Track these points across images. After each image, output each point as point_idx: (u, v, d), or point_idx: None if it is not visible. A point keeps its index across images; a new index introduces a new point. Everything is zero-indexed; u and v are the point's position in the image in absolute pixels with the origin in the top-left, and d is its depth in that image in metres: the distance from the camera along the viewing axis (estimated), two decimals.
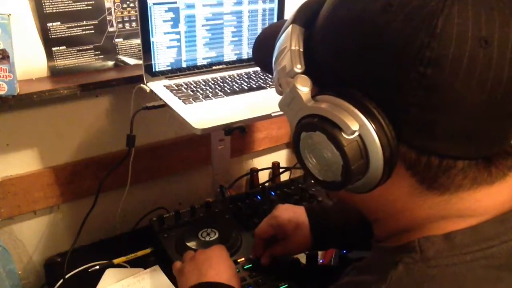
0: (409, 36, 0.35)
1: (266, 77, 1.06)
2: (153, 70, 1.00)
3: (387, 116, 0.38)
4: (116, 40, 1.08)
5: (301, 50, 0.42)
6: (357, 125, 0.37)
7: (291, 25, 0.44)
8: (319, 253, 0.90)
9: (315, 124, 0.40)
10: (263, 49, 0.53)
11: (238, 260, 0.90)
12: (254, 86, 1.01)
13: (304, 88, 0.41)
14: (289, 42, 0.43)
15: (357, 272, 0.47)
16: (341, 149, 0.38)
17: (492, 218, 0.41)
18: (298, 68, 0.41)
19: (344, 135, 0.38)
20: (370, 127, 0.37)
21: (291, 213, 0.85)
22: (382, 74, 0.37)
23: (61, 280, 0.95)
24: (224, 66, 1.10)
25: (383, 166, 0.38)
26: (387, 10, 0.36)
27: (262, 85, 1.02)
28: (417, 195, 0.42)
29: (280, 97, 0.44)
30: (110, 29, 1.06)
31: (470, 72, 0.35)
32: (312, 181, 0.44)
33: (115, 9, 1.05)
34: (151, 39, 0.97)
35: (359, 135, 0.38)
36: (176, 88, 0.97)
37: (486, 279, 0.39)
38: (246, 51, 1.12)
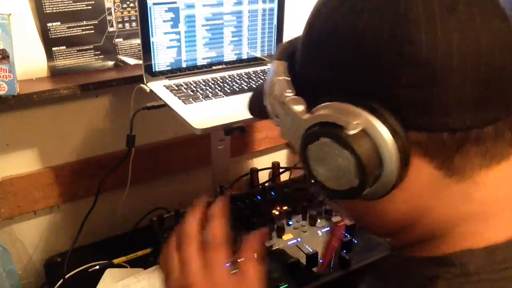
0: (378, 24, 0.37)
1: (266, 77, 1.06)
2: (153, 70, 1.00)
3: (384, 106, 0.37)
4: (116, 40, 1.08)
5: (288, 78, 0.44)
6: (356, 118, 0.37)
7: (273, 62, 0.46)
8: (319, 253, 0.90)
9: (316, 132, 0.40)
10: (256, 98, 0.57)
11: (238, 260, 0.90)
12: (254, 86, 1.01)
13: (298, 107, 0.42)
14: (275, 75, 0.45)
15: (382, 286, 0.45)
16: (348, 146, 0.37)
17: None
18: (289, 92, 0.43)
19: (347, 132, 0.37)
20: (371, 117, 0.37)
21: None
22: (366, 68, 0.38)
23: (61, 280, 0.95)
24: (224, 66, 1.10)
25: (398, 155, 0.38)
26: (353, 9, 0.38)
27: None
28: (437, 185, 0.40)
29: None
30: (110, 29, 1.06)
31: (445, 41, 0.36)
32: (331, 199, 0.43)
33: (115, 9, 1.05)
34: (151, 39, 0.97)
35: (363, 129, 0.37)
36: (176, 88, 0.97)
37: None
38: (246, 51, 1.12)
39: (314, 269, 0.88)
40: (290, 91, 0.43)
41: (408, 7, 0.36)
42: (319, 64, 0.42)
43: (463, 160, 0.39)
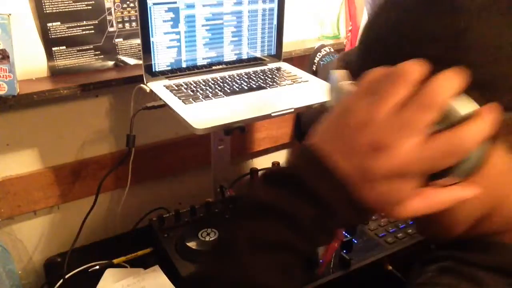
0: (437, 17, 0.38)
1: (266, 77, 1.06)
2: (153, 70, 1.00)
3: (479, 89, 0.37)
4: (116, 40, 1.08)
5: (353, 82, 0.43)
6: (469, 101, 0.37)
7: (332, 74, 0.46)
8: (319, 253, 0.90)
9: None
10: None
11: None
12: (254, 86, 1.01)
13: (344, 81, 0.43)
14: (339, 82, 0.44)
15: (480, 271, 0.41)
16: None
17: None
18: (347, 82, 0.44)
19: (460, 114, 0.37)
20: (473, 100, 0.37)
21: None
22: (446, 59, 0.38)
23: (61, 280, 0.95)
24: (224, 66, 1.10)
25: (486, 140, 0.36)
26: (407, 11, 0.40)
27: (262, 85, 1.02)
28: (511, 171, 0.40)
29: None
30: (110, 29, 1.06)
31: (489, 28, 0.37)
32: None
33: (115, 9, 1.05)
34: (151, 39, 0.97)
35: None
36: (176, 88, 0.97)
37: None
38: (246, 51, 1.12)
39: (314, 269, 0.88)
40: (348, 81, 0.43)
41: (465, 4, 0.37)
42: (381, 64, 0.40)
43: None
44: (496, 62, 0.37)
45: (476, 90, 0.36)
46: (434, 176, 0.36)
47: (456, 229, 0.44)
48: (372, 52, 0.43)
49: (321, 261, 0.89)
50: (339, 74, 0.46)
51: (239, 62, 1.12)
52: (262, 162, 1.43)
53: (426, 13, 0.39)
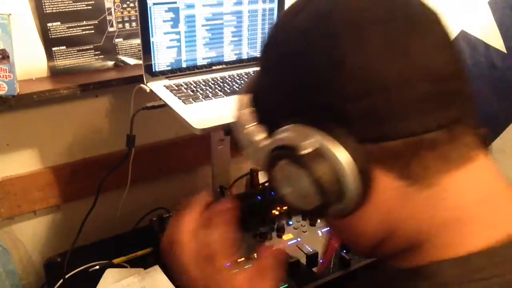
0: (313, 43, 0.40)
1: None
2: (153, 70, 1.00)
3: (335, 122, 0.38)
4: (116, 40, 1.08)
5: (250, 109, 0.46)
6: (309, 138, 0.39)
7: (237, 97, 0.50)
8: (319, 253, 0.90)
9: (276, 156, 0.42)
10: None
11: (238, 260, 0.90)
12: None
13: (259, 136, 0.44)
14: (239, 108, 0.48)
15: None
16: (304, 166, 0.39)
17: (506, 243, 0.38)
18: (251, 123, 0.45)
19: (301, 152, 0.39)
20: (323, 136, 0.38)
21: None
22: (311, 87, 0.40)
23: (61, 280, 0.95)
24: (224, 66, 1.10)
25: (355, 170, 0.38)
26: (289, 41, 0.42)
27: None
28: (403, 196, 0.40)
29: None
30: (110, 29, 1.06)
31: (376, 54, 0.37)
32: (302, 215, 0.44)
33: (115, 9, 1.05)
34: (151, 39, 0.97)
35: (316, 148, 0.38)
36: (176, 88, 0.97)
37: None
38: (246, 51, 1.12)
39: (314, 269, 0.88)
40: (252, 121, 0.45)
41: (333, 28, 0.38)
42: (272, 90, 0.44)
43: (421, 166, 0.39)
44: (371, 94, 0.37)
45: (361, 123, 0.38)
46: (321, 214, 0.41)
47: (362, 248, 0.48)
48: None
49: (321, 261, 0.89)
50: (241, 100, 0.48)
51: (239, 62, 1.12)
52: None
53: (306, 45, 0.40)
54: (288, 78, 0.42)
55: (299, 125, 0.40)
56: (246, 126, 0.45)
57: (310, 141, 0.38)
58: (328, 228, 0.51)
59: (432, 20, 0.40)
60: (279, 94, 0.43)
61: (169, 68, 1.02)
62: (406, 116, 0.38)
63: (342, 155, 0.38)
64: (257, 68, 0.48)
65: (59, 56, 1.02)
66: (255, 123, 0.45)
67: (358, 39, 0.38)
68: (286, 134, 0.40)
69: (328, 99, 0.39)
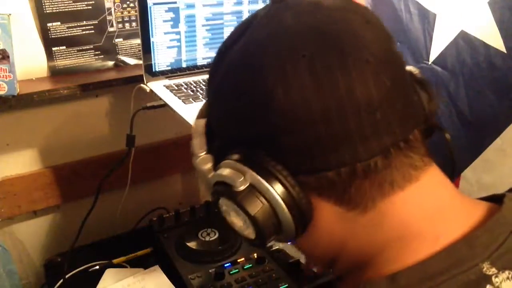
0: (241, 79, 0.41)
1: None
2: (153, 70, 1.00)
3: (269, 156, 0.39)
4: (116, 40, 1.08)
5: (203, 137, 0.46)
6: (241, 175, 0.40)
7: (194, 121, 0.49)
8: None
9: (217, 192, 0.42)
10: None
11: (238, 260, 0.90)
12: None
13: (205, 166, 0.44)
14: (193, 133, 0.47)
15: None
16: (238, 203, 0.40)
17: (437, 252, 0.39)
18: (201, 152, 0.46)
19: (235, 189, 0.40)
20: (255, 172, 0.39)
21: None
22: (245, 122, 0.41)
23: (61, 280, 0.95)
24: None
25: (289, 203, 0.39)
26: (224, 74, 0.43)
27: None
28: (344, 220, 0.41)
29: None
30: (110, 29, 1.06)
31: (300, 86, 0.37)
32: (248, 243, 0.46)
33: (115, 9, 1.05)
34: (151, 39, 0.97)
35: (250, 184, 0.39)
36: (176, 88, 0.97)
37: None
38: None
39: (314, 269, 0.88)
40: (202, 150, 0.46)
41: (259, 62, 0.39)
42: (215, 120, 0.45)
43: (359, 193, 0.40)
44: (300, 129, 0.38)
45: (294, 156, 0.39)
46: (264, 244, 0.42)
47: (317, 263, 0.52)
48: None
49: None
50: (196, 125, 0.48)
51: None
52: None
53: (239, 80, 0.41)
54: (226, 111, 0.42)
55: (236, 161, 0.41)
56: (198, 155, 0.46)
57: (243, 178, 0.39)
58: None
59: (364, 46, 0.39)
60: (221, 125, 0.44)
61: (169, 68, 1.02)
62: (336, 148, 0.38)
63: (276, 190, 0.39)
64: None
65: (59, 56, 1.02)
66: (205, 153, 0.46)
67: (285, 75, 0.38)
68: (225, 170, 0.41)
69: (261, 133, 0.39)
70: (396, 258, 0.40)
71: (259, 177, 0.39)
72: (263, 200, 0.39)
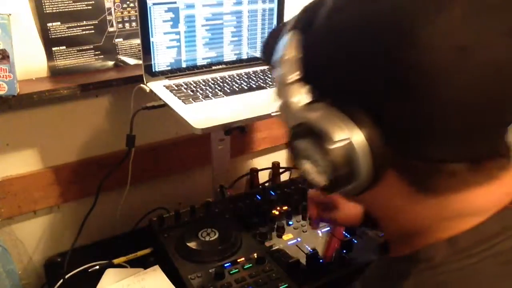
0: (389, 42, 0.36)
1: (266, 77, 1.06)
2: (153, 70, 1.00)
3: (373, 123, 0.38)
4: (116, 40, 1.08)
5: (299, 56, 0.43)
6: (342, 133, 0.39)
7: (290, 32, 0.45)
8: (319, 253, 0.90)
9: (304, 132, 0.42)
10: (269, 53, 0.53)
11: (238, 260, 0.90)
12: (254, 86, 1.01)
13: (295, 98, 0.43)
14: (286, 50, 0.44)
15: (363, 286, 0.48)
16: (327, 153, 0.39)
17: (492, 216, 0.41)
18: (293, 76, 0.43)
19: (330, 143, 0.39)
20: (355, 131, 0.38)
21: None
22: (361, 75, 0.39)
23: (61, 280, 0.95)
24: (224, 66, 1.10)
25: (371, 172, 0.39)
26: (371, 21, 0.38)
27: (262, 85, 1.02)
28: (408, 197, 0.42)
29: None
30: (110, 29, 1.06)
31: (447, 78, 0.35)
32: (310, 186, 0.46)
33: (115, 9, 1.05)
34: (151, 39, 0.97)
35: (345, 143, 0.39)
36: (176, 88, 0.97)
37: (497, 276, 0.39)
38: (246, 51, 1.12)
39: (313, 269, 0.88)
40: (295, 74, 0.43)
41: (420, 36, 0.35)
42: (323, 58, 0.42)
43: (436, 184, 0.40)
44: (416, 111, 0.37)
45: (393, 131, 0.38)
46: (330, 191, 0.43)
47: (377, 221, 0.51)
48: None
49: (321, 261, 0.89)
50: (290, 38, 0.44)
51: (239, 62, 1.12)
52: (262, 162, 1.43)
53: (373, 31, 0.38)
54: (342, 56, 0.40)
55: (334, 108, 0.40)
56: (289, 78, 0.43)
57: (340, 137, 0.39)
58: (329, 228, 0.54)
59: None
60: (328, 65, 0.41)
61: (169, 68, 1.02)
62: (438, 142, 0.38)
63: (366, 153, 0.39)
64: (321, 20, 0.43)
65: (59, 56, 1.02)
66: (299, 77, 0.43)
67: (426, 53, 0.35)
68: (321, 114, 0.40)
69: (374, 97, 0.38)
70: (452, 227, 0.41)
71: (355, 135, 0.38)
72: (350, 156, 0.39)
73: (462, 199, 0.41)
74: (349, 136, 0.38)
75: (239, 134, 0.89)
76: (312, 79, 0.43)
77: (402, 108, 0.37)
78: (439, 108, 0.36)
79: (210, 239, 0.96)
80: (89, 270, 0.98)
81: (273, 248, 0.94)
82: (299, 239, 0.97)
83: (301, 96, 0.43)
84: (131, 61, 1.11)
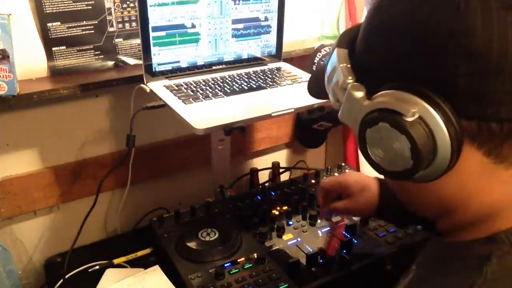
0: (438, 15, 0.39)
1: (266, 77, 1.06)
2: (153, 70, 1.00)
3: (440, 94, 0.39)
4: (116, 40, 1.08)
5: (349, 65, 0.47)
6: (415, 106, 0.40)
7: (335, 49, 0.49)
8: (323, 249, 0.90)
9: (377, 117, 0.42)
10: (316, 79, 0.59)
11: (238, 260, 0.90)
12: (254, 86, 1.01)
13: (358, 93, 0.45)
14: (337, 61, 0.48)
15: (431, 272, 0.48)
16: (406, 131, 0.40)
17: None
18: (350, 79, 0.46)
19: (405, 118, 0.40)
20: (428, 106, 0.39)
21: (359, 177, 0.87)
22: (424, 57, 0.40)
23: (61, 280, 0.95)
24: (224, 66, 1.10)
25: (450, 142, 0.40)
26: (415, 4, 0.40)
27: (262, 85, 1.02)
28: (487, 171, 0.43)
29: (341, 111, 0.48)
30: (110, 29, 1.06)
31: (501, 35, 0.37)
32: (384, 175, 0.46)
33: (115, 9, 1.05)
34: (151, 39, 0.97)
35: (420, 117, 0.40)
36: (176, 88, 0.97)
37: None
38: (246, 51, 1.12)
39: (313, 269, 0.88)
40: (351, 77, 0.46)
41: (466, 3, 0.38)
42: (379, 52, 0.44)
43: (511, 149, 0.41)
44: (485, 75, 0.38)
45: (465, 99, 0.39)
46: (406, 177, 0.43)
47: (425, 213, 0.52)
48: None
49: (321, 260, 0.89)
50: (339, 53, 0.48)
51: (239, 62, 1.12)
52: (262, 162, 1.43)
53: (430, 11, 0.40)
54: (401, 43, 0.41)
55: (403, 92, 0.41)
56: (347, 81, 0.45)
57: (415, 109, 0.39)
58: (397, 191, 0.54)
59: None
60: (386, 57, 0.43)
61: (169, 68, 1.02)
62: (509, 103, 0.38)
63: (442, 127, 0.39)
64: (363, 25, 0.47)
65: (59, 56, 1.02)
66: (354, 80, 0.46)
67: (488, 17, 0.37)
68: (391, 98, 0.41)
69: (441, 70, 0.39)
70: None
71: (431, 110, 0.39)
72: (428, 134, 0.40)
73: None
74: (422, 110, 0.39)
75: (239, 134, 0.89)
76: (367, 80, 0.45)
77: (462, 71, 0.38)
78: (496, 66, 0.38)
79: (210, 239, 0.96)
80: (89, 270, 0.98)
81: (273, 248, 0.94)
82: (299, 239, 0.97)
83: (361, 92, 0.44)
84: (131, 61, 1.11)
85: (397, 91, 0.41)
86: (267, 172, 1.41)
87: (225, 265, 0.89)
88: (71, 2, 0.99)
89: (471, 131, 0.40)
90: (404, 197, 0.54)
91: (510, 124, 0.39)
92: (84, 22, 1.02)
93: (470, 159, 0.42)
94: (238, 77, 1.06)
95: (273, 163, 1.40)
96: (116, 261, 1.00)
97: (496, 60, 0.37)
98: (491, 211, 0.44)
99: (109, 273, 0.97)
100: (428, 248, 0.51)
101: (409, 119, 0.40)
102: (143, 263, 0.99)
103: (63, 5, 0.98)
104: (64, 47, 1.02)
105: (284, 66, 1.15)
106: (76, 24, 1.01)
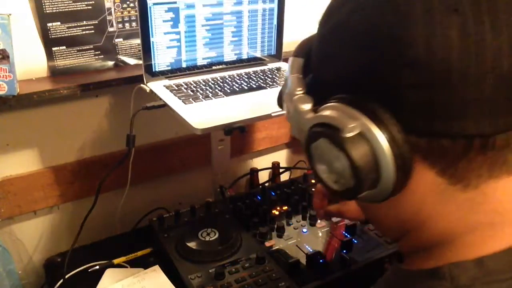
0: (378, 24, 0.36)
1: (266, 77, 1.06)
2: (153, 70, 1.00)
3: (385, 108, 0.37)
4: (116, 40, 1.08)
5: (300, 76, 0.45)
6: (354, 121, 0.37)
7: (290, 58, 0.47)
8: (322, 252, 0.90)
9: (317, 132, 0.40)
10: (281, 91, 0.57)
11: (238, 260, 0.90)
12: (254, 86, 1.01)
13: (305, 105, 0.43)
14: (289, 71, 0.46)
15: None
16: (343, 148, 0.37)
17: None
18: (299, 90, 0.44)
19: (343, 135, 0.37)
20: (369, 121, 0.37)
21: None
22: (367, 68, 0.38)
23: (61, 280, 0.95)
24: (224, 66, 1.10)
25: (394, 160, 0.37)
26: (355, 8, 0.38)
27: (262, 85, 1.02)
28: (442, 192, 0.39)
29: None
30: (110, 29, 1.06)
31: (445, 43, 0.34)
32: (332, 194, 0.44)
33: (115, 9, 1.05)
34: (151, 39, 0.97)
35: (359, 132, 0.37)
36: (176, 88, 0.97)
37: None
38: (246, 51, 1.12)
39: (313, 269, 0.88)
40: (300, 89, 0.44)
41: (407, 7, 0.35)
42: (325, 64, 0.42)
43: (467, 169, 0.37)
44: (432, 87, 0.35)
45: (412, 113, 0.36)
46: (352, 197, 0.41)
47: (387, 233, 0.50)
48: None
49: (321, 260, 0.89)
50: (292, 63, 0.46)
51: (239, 62, 1.12)
52: (262, 162, 1.43)
53: (374, 20, 0.37)
54: (346, 53, 0.39)
55: (346, 105, 0.38)
56: (295, 93, 0.44)
57: (354, 124, 0.37)
58: (361, 209, 0.51)
59: None
60: (333, 67, 0.41)
61: (169, 68, 1.02)
62: (463, 116, 0.35)
63: (384, 144, 0.36)
64: (315, 33, 0.45)
65: (59, 56, 1.02)
66: (303, 92, 0.44)
67: (432, 26, 0.34)
68: (332, 112, 0.39)
69: (384, 82, 0.36)
70: (483, 243, 0.39)
71: (372, 126, 0.36)
72: (369, 151, 0.37)
73: (492, 195, 0.39)
74: (362, 125, 0.37)
75: (239, 134, 0.89)
76: (316, 92, 0.43)
77: (406, 82, 0.35)
78: (453, 79, 0.34)
79: (210, 239, 0.96)
80: (89, 270, 0.98)
81: (273, 248, 0.94)
82: (299, 239, 0.97)
83: (308, 105, 0.43)
84: (131, 61, 1.11)
85: (340, 104, 0.38)
86: (267, 172, 1.41)
87: (225, 265, 0.89)
88: (71, 2, 0.99)
89: (422, 149, 0.37)
90: (366, 215, 0.51)
91: (464, 141, 0.36)
92: (84, 22, 1.02)
93: (424, 179, 0.39)
94: (238, 77, 1.06)
95: (273, 163, 1.40)
96: (116, 261, 1.00)
97: (440, 69, 0.34)
98: (444, 238, 0.41)
99: (109, 273, 0.97)
100: (388, 271, 0.48)
101: (347, 135, 0.37)
102: (143, 263, 0.99)
103: (63, 5, 0.98)
104: (64, 47, 1.02)
105: (284, 66, 1.15)
106: (76, 24, 1.01)
